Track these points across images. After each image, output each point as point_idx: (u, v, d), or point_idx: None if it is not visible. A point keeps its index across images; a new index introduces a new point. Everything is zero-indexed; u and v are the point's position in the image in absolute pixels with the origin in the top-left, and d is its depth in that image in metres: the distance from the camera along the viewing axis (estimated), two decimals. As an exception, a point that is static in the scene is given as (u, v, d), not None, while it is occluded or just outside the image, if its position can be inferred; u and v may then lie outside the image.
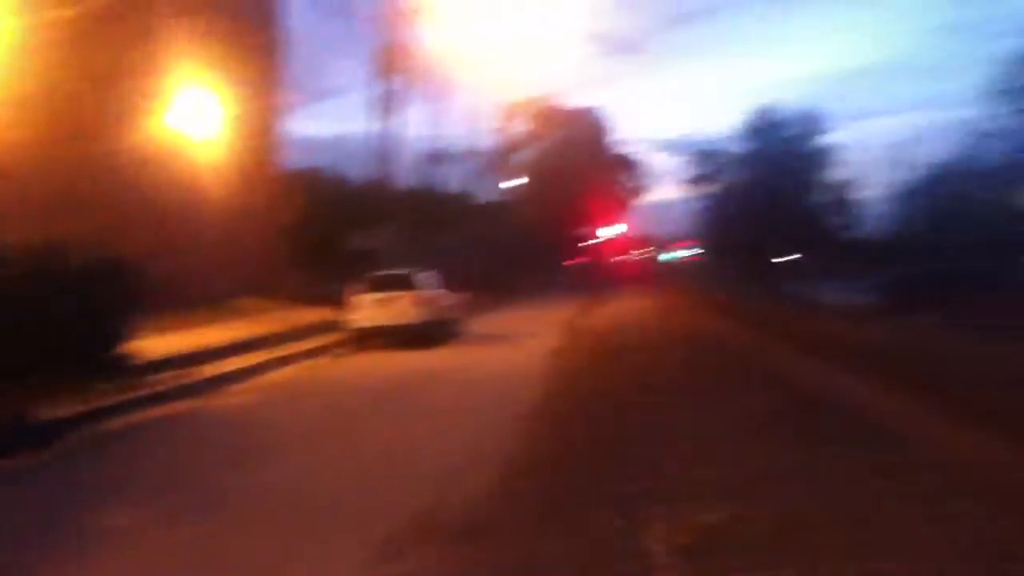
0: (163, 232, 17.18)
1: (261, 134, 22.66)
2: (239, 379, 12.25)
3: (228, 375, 12.25)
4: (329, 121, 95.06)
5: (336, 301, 18.51)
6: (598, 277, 50.29)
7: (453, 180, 42.89)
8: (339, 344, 16.71)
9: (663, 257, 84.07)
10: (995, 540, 4.21)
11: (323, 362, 15.01)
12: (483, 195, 47.15)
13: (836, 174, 56.95)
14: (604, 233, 70.00)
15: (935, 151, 50.83)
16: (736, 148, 59.12)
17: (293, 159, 30.50)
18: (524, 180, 50.78)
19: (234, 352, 13.87)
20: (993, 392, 8.11)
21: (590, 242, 70.74)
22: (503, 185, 49.79)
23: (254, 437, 8.38)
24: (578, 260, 69.10)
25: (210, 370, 12.21)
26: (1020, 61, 35.01)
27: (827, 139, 56.63)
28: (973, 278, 26.72)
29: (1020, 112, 34.72)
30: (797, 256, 53.81)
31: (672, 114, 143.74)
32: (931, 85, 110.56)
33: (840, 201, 57.56)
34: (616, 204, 67.92)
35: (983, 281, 26.38)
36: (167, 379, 11.17)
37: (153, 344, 12.43)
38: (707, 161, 61.83)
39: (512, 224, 46.92)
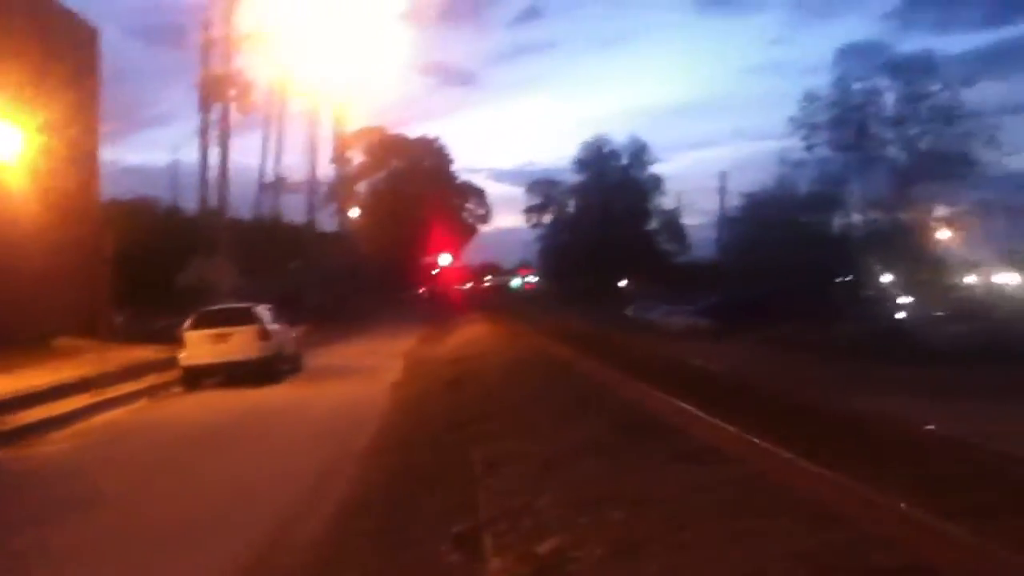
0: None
1: (78, 162, 21.25)
2: (58, 425, 11.43)
3: (45, 421, 11.41)
4: (166, 150, 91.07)
5: (166, 338, 17.67)
6: (443, 305, 50.45)
7: (294, 210, 41.98)
8: (170, 384, 15.94)
9: (513, 284, 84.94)
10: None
11: (152, 404, 14.26)
12: (327, 224, 46.46)
13: (666, 202, 60.22)
14: (449, 261, 70.47)
15: (756, 179, 54.88)
16: (570, 178, 61.37)
17: (123, 188, 29.14)
18: (357, 211, 50.64)
19: (52, 396, 12.93)
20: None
21: (436, 270, 70.97)
22: (349, 214, 49.28)
23: (72, 488, 7.87)
24: (425, 288, 69.14)
25: (25, 416, 11.37)
26: (812, 99, 38.27)
27: (656, 169, 59.92)
28: (787, 301, 28.87)
29: (822, 144, 37.92)
30: (625, 282, 56.09)
31: (507, 145, 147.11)
32: (748, 119, 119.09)
33: (671, 227, 60.71)
34: (461, 232, 68.65)
35: (796, 303, 28.57)
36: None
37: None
38: (542, 190, 63.77)
39: (357, 253, 46.41)
